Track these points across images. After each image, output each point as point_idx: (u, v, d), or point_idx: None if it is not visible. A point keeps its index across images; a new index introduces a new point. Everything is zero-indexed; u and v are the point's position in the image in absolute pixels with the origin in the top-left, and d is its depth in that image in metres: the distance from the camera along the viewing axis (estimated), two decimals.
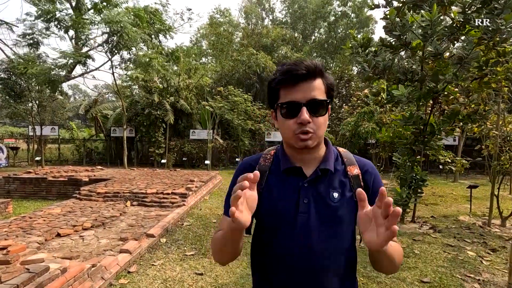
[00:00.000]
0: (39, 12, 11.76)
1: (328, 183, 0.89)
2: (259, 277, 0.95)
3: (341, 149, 0.97)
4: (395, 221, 0.66)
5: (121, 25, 11.07)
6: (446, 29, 4.48)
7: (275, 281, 0.89)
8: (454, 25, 4.47)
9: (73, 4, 12.40)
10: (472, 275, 3.36)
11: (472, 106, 4.75)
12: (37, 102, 14.19)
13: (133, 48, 12.53)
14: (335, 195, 0.87)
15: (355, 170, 0.90)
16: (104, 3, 11.98)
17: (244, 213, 0.71)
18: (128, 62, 13.38)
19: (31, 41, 13.01)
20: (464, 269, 3.53)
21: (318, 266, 0.85)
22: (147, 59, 12.25)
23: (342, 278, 0.89)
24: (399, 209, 0.65)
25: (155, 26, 13.68)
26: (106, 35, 12.19)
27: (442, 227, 5.27)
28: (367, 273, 3.42)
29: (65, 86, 14.04)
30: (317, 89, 0.84)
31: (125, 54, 13.04)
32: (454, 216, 6.11)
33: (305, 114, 0.82)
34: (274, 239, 0.89)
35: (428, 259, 3.82)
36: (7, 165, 14.29)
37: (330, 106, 0.89)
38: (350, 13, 24.23)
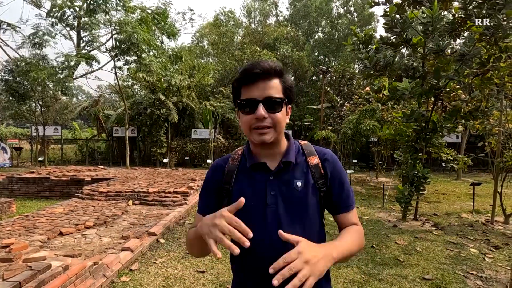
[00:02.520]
0: (51, 7, 11.78)
1: (291, 174, 0.95)
2: (236, 269, 1.01)
3: (302, 142, 1.04)
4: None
5: (136, 36, 11.12)
6: (447, 25, 4.46)
7: (247, 271, 0.95)
8: (455, 21, 4.45)
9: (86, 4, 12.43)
10: (474, 272, 3.34)
11: (474, 102, 4.71)
12: (40, 102, 14.27)
13: (138, 52, 12.56)
14: (299, 184, 0.93)
15: (315, 160, 0.97)
16: (119, 8, 12.04)
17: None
18: (133, 64, 13.41)
19: (38, 40, 13.05)
20: (466, 266, 3.51)
21: (291, 248, 0.83)
22: (148, 62, 12.30)
23: None
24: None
25: (159, 25, 13.66)
26: (114, 40, 12.23)
27: (444, 225, 5.24)
28: (368, 270, 3.41)
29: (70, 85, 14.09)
30: (273, 87, 0.89)
31: (129, 56, 13.09)
32: (457, 214, 6.08)
33: (261, 110, 0.88)
34: (251, 229, 0.86)
35: (430, 257, 3.80)
36: (10, 165, 14.40)
37: (289, 105, 0.96)
38: (352, 11, 24.12)
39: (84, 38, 12.80)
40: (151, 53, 13.40)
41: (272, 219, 0.91)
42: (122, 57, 12.71)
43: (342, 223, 0.99)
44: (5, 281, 2.06)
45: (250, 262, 0.93)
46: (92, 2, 11.72)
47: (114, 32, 12.37)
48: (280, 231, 0.77)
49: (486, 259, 3.72)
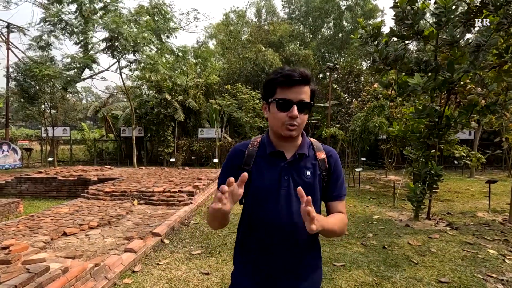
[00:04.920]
0: (47, 15, 11.95)
1: (303, 164, 1.15)
2: (242, 238, 1.19)
3: (312, 140, 1.23)
4: (309, 213, 0.90)
5: (120, 30, 11.13)
6: (462, 15, 4.24)
7: (257, 238, 1.12)
8: (470, 10, 4.23)
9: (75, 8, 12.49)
10: (494, 275, 3.15)
11: (491, 96, 4.47)
12: (49, 104, 14.42)
13: (137, 50, 12.50)
14: (308, 173, 1.13)
15: (322, 155, 1.18)
16: (103, 10, 12.10)
17: (227, 204, 0.92)
18: (134, 64, 13.41)
19: (43, 44, 13.23)
20: (485, 269, 3.32)
21: (296, 224, 1.09)
22: (152, 62, 12.26)
23: (312, 241, 1.17)
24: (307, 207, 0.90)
25: (159, 24, 13.58)
26: (107, 40, 12.28)
27: (459, 224, 5.03)
28: (380, 272, 3.26)
29: (78, 87, 14.21)
30: (306, 93, 1.08)
31: (131, 56, 13.08)
32: (472, 213, 5.84)
33: (295, 110, 1.05)
34: (264, 204, 1.11)
35: (445, 258, 3.62)
36: (21, 166, 14.60)
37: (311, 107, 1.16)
38: (355, 6, 23.65)
39: (85, 41, 12.87)
40: (153, 52, 13.36)
41: (283, 198, 1.10)
42: (120, 55, 12.66)
43: (331, 210, 1.18)
44: (1, 284, 1.98)
45: (260, 228, 1.11)
46: (83, 9, 11.81)
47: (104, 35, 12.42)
48: (299, 188, 0.94)
49: (506, 260, 3.52)
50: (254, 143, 1.20)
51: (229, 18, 22.73)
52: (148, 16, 13.18)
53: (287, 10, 26.04)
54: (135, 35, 11.68)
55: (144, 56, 12.80)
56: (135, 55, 12.92)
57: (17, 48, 14.79)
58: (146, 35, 12.52)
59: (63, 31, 12.47)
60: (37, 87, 13.53)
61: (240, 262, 1.19)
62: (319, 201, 1.18)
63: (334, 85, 15.79)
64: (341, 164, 1.23)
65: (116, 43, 11.79)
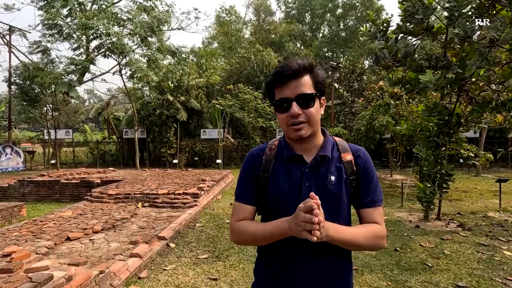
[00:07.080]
0: (44, 18, 11.93)
1: (326, 168, 1.00)
2: (262, 251, 1.06)
3: (337, 139, 1.08)
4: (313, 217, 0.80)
5: (100, 30, 11.07)
6: (474, 9, 4.12)
7: (278, 253, 0.99)
8: (483, 5, 4.10)
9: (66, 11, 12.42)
10: None
11: (506, 92, 4.33)
12: (51, 106, 14.38)
13: (124, 51, 12.37)
14: (332, 178, 0.98)
15: (348, 157, 1.03)
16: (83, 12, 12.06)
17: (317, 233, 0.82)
18: (129, 67, 13.30)
19: (42, 48, 13.22)
20: (503, 272, 3.19)
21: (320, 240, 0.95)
22: (136, 66, 12.20)
23: (340, 250, 0.97)
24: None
25: (154, 20, 13.40)
26: (96, 38, 12.23)
27: (471, 225, 4.90)
28: (394, 276, 3.14)
29: (80, 90, 14.18)
30: (304, 84, 0.94)
31: (128, 57, 12.96)
32: (483, 213, 5.70)
33: (294, 107, 0.93)
34: (284, 215, 0.94)
35: (460, 261, 3.49)
36: (24, 168, 14.58)
37: (322, 98, 1.00)
38: (359, 5, 23.49)
39: (77, 46, 12.82)
40: (140, 50, 13.29)
41: None
42: (110, 55, 12.53)
43: (364, 219, 1.01)
44: None
45: (284, 245, 0.97)
46: (72, 13, 11.75)
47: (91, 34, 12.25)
48: (312, 193, 0.83)
49: None
50: (271, 147, 1.07)
51: (221, 18, 22.66)
52: (143, 13, 13.04)
53: (283, 8, 25.92)
54: (108, 30, 11.55)
55: (135, 57, 12.75)
56: (124, 57, 12.81)
57: (18, 50, 14.72)
58: (135, 39, 12.48)
59: (59, 35, 12.42)
60: (38, 90, 13.50)
61: (261, 276, 1.07)
62: (348, 210, 1.03)
63: (336, 84, 15.67)
64: (373, 165, 1.06)
65: (102, 41, 11.72)
